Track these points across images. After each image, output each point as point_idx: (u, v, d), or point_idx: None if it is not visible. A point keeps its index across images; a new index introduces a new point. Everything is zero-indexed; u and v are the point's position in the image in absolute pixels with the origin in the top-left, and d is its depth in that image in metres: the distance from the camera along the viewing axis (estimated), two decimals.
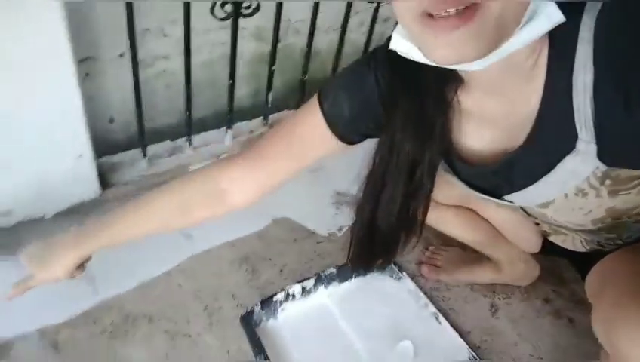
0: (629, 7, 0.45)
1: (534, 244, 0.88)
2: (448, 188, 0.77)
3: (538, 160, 0.58)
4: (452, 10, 0.40)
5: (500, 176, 0.63)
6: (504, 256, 0.96)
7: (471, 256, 1.05)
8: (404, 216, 0.68)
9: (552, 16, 0.44)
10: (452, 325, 0.93)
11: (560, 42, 0.49)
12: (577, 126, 0.51)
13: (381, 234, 0.70)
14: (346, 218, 1.15)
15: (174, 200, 0.70)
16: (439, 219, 0.89)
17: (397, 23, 0.51)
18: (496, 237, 0.91)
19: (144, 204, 0.72)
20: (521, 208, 0.74)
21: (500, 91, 0.55)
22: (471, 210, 0.89)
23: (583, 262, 0.76)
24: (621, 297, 0.58)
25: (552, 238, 0.82)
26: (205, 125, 1.32)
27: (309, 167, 0.70)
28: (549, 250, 0.90)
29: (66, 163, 0.98)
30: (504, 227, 0.87)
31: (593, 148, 0.52)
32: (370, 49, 1.39)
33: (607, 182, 0.56)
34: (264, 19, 1.22)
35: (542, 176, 0.59)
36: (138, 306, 0.91)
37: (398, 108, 0.59)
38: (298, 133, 0.67)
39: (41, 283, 0.74)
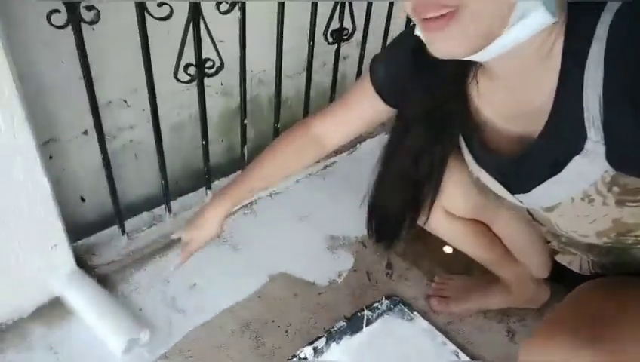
0: None
1: (544, 266, 0.87)
2: (464, 199, 0.77)
3: (548, 158, 0.58)
4: (435, 14, 0.47)
5: (513, 171, 0.63)
6: (515, 277, 0.93)
7: (479, 281, 1.02)
8: (410, 202, 0.77)
9: (541, 18, 0.47)
10: (473, 358, 0.89)
11: (576, 38, 0.49)
12: (587, 124, 0.51)
13: (388, 214, 0.79)
14: (343, 262, 1.10)
15: (289, 153, 0.85)
16: (456, 233, 0.88)
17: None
18: (508, 256, 0.89)
19: (265, 162, 0.86)
20: (529, 213, 0.73)
21: (514, 82, 0.57)
22: (485, 226, 0.87)
23: None
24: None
25: (558, 258, 0.80)
26: (181, 189, 1.28)
27: (371, 125, 0.82)
28: (557, 278, 0.89)
29: (41, 256, 0.91)
30: (515, 244, 0.86)
31: (601, 148, 0.51)
32: (334, 90, 1.39)
33: (615, 189, 0.55)
34: (229, 74, 1.21)
35: (550, 176, 0.58)
36: None
37: (417, 92, 0.66)
38: (358, 92, 0.80)
39: (200, 244, 0.86)
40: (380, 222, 0.85)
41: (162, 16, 0.88)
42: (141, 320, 0.92)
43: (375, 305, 0.97)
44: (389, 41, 1.46)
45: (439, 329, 0.94)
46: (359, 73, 1.44)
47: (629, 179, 0.53)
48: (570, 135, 0.53)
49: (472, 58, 0.51)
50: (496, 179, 0.68)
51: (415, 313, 0.97)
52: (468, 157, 0.72)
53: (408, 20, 1.38)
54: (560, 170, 0.57)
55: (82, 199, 1.16)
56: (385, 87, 0.75)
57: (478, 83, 0.62)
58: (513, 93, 0.58)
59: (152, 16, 0.88)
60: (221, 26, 1.00)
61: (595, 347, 0.53)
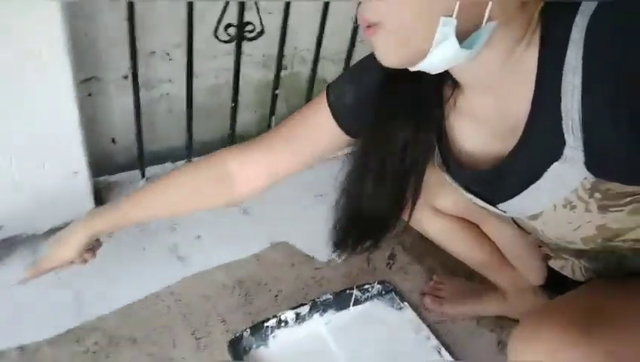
0: (623, 11, 0.44)
1: (539, 272, 0.84)
2: (455, 196, 0.74)
3: (526, 166, 0.56)
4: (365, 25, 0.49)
5: (492, 182, 0.61)
6: (511, 285, 0.91)
7: (477, 286, 1.00)
8: (394, 198, 0.69)
9: (452, 49, 0.46)
10: (455, 359, 0.87)
11: (551, 43, 0.48)
12: (565, 131, 0.50)
13: (368, 216, 0.70)
14: None
15: (184, 186, 0.72)
16: (445, 230, 0.85)
17: None
18: (503, 261, 0.86)
19: (155, 188, 0.73)
20: (515, 221, 0.71)
21: (487, 91, 0.56)
22: (477, 226, 0.85)
23: None
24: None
25: (551, 263, 0.77)
26: (208, 150, 1.31)
27: (314, 162, 0.72)
28: (553, 287, 0.86)
29: (61, 179, 0.97)
30: (508, 248, 0.83)
31: (580, 155, 0.50)
32: None
33: (597, 195, 0.53)
34: (271, 47, 1.24)
35: (530, 184, 0.57)
36: (123, 328, 0.86)
37: (395, 95, 0.61)
38: (305, 123, 0.69)
39: (52, 264, 0.75)
40: (361, 227, 0.76)
41: None
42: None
43: (366, 286, 0.96)
44: None
45: (428, 326, 0.93)
46: None
47: (610, 184, 0.51)
48: (549, 142, 0.51)
49: (418, 68, 0.50)
50: (474, 193, 0.67)
51: (405, 303, 0.95)
52: (445, 175, 0.69)
53: None
54: (538, 178, 0.55)
55: (113, 141, 1.22)
56: (350, 114, 0.67)
57: (453, 96, 0.60)
58: (487, 103, 0.57)
59: None
60: None
61: (592, 342, 0.50)
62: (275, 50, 1.17)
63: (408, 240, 1.14)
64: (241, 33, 1.03)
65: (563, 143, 0.50)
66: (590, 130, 0.47)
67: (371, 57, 0.64)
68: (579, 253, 0.68)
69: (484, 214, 0.78)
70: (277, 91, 1.19)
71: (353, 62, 1.31)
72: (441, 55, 0.47)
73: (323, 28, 1.16)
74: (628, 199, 0.53)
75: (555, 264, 0.76)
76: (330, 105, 0.67)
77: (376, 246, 0.79)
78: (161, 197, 0.73)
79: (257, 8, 1.01)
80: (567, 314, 0.55)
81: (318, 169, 1.18)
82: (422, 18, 0.46)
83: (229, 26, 1.01)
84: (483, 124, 0.59)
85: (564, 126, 0.49)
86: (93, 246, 0.77)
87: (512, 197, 0.61)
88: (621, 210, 0.54)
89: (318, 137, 0.69)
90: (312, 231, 1.12)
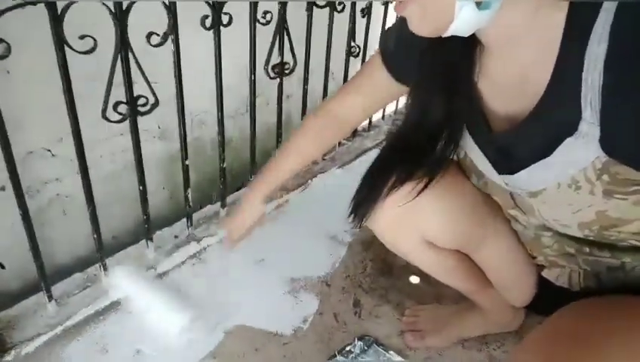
0: None
1: (526, 295, 0.83)
2: (448, 228, 0.74)
3: (539, 137, 0.55)
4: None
5: (504, 148, 0.61)
6: (490, 302, 0.87)
7: (452, 310, 0.96)
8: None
9: (471, 14, 0.49)
10: None
11: (580, 9, 0.47)
12: (583, 104, 0.48)
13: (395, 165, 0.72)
14: (307, 306, 1.00)
15: (313, 135, 0.86)
16: (437, 263, 0.81)
17: None
18: (487, 284, 0.84)
19: (289, 144, 0.87)
20: (512, 198, 0.69)
21: (511, 54, 0.55)
22: (465, 255, 0.81)
23: None
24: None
25: (545, 273, 0.76)
26: (120, 245, 1.15)
27: (388, 100, 0.83)
28: (535, 307, 0.86)
29: None
30: (499, 276, 0.81)
31: (596, 131, 0.48)
32: (280, 126, 1.34)
33: (605, 177, 0.52)
34: (166, 117, 1.13)
35: (540, 158, 0.55)
36: None
37: (433, 55, 0.63)
38: (363, 74, 0.81)
39: (242, 230, 0.90)
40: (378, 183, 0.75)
41: (85, 50, 0.81)
42: None
43: (348, 348, 0.87)
44: (330, 76, 1.44)
45: None
46: (304, 110, 1.40)
47: (619, 167, 0.50)
48: (565, 114, 0.50)
49: (449, 34, 0.53)
50: (486, 156, 0.66)
51: (391, 352, 0.88)
52: (467, 138, 0.69)
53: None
54: (550, 153, 0.54)
55: (1, 266, 1.01)
56: (395, 61, 0.74)
57: (480, 58, 0.61)
58: (508, 66, 0.57)
59: (73, 49, 0.80)
60: (154, 65, 0.93)
61: None
62: (171, 118, 1.06)
63: (368, 281, 1.08)
64: (135, 108, 0.92)
65: (579, 117, 0.49)
66: (610, 104, 0.46)
67: None
68: (575, 254, 0.66)
69: (481, 239, 0.75)
70: (187, 162, 1.08)
71: (256, 115, 1.25)
72: (463, 21, 0.50)
73: (221, 86, 1.08)
74: (634, 188, 0.52)
75: (551, 274, 0.74)
76: (380, 52, 0.76)
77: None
78: (297, 153, 0.87)
79: (145, 77, 0.90)
80: (550, 344, 0.53)
81: (254, 234, 1.08)
82: None
83: (118, 103, 0.89)
84: (505, 89, 0.59)
85: (582, 98, 0.48)
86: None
87: (519, 169, 0.59)
88: (625, 199, 0.53)
89: (375, 83, 0.78)
90: (265, 302, 1.01)
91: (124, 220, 1.22)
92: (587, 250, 0.66)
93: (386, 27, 0.80)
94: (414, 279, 1.08)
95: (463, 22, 0.50)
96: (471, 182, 0.75)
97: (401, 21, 0.70)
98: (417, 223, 0.75)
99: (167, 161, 1.28)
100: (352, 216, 0.76)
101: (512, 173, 0.61)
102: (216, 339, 0.92)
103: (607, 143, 0.48)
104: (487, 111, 0.64)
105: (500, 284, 0.83)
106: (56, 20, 0.76)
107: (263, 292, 1.04)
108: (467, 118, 0.66)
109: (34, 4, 0.72)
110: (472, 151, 0.69)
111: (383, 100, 0.82)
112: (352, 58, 1.48)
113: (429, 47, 0.62)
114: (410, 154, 0.70)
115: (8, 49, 0.73)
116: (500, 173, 0.64)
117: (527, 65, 0.54)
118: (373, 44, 1.63)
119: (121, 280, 0.94)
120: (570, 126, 0.50)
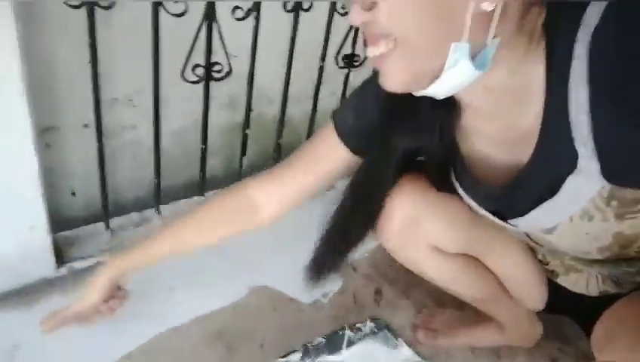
0: (625, 24, 0.45)
1: (539, 299, 0.82)
2: (454, 233, 0.74)
3: (541, 181, 0.56)
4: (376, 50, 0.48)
5: (505, 197, 0.61)
6: (508, 316, 0.88)
7: (470, 316, 0.97)
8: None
9: (466, 70, 0.47)
10: None
11: (556, 59, 0.49)
12: (576, 143, 0.50)
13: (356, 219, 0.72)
14: (331, 283, 1.05)
15: (212, 217, 0.76)
16: (446, 270, 0.80)
17: None
18: (501, 293, 0.83)
19: (183, 222, 0.76)
20: (528, 236, 0.69)
21: (493, 111, 0.55)
22: (477, 260, 0.81)
23: (586, 320, 0.69)
24: (635, 345, 0.53)
25: (561, 280, 0.76)
26: (176, 196, 1.25)
27: (331, 182, 0.77)
28: (551, 308, 0.84)
29: (17, 236, 0.88)
30: (510, 277, 0.81)
31: (595, 165, 0.50)
32: None
33: (614, 203, 0.53)
34: (237, 88, 1.22)
35: (545, 200, 0.56)
36: None
37: (395, 118, 0.62)
38: (315, 150, 0.75)
39: (77, 311, 0.75)
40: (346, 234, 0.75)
41: (177, 12, 0.91)
42: None
43: (358, 325, 0.91)
44: None
45: (423, 360, 0.88)
46: None
47: (626, 191, 0.51)
48: (562, 155, 0.52)
49: (424, 93, 0.51)
50: (487, 209, 0.66)
51: (400, 339, 0.91)
52: (459, 190, 0.70)
53: None
54: (556, 192, 0.55)
55: (72, 193, 1.14)
56: (353, 135, 0.70)
57: (460, 117, 0.60)
58: (495, 121, 0.57)
59: (167, 11, 0.90)
60: (236, 37, 1.02)
61: None
62: (240, 91, 1.15)
63: (393, 274, 1.11)
64: (209, 73, 1.01)
65: (576, 155, 0.50)
66: (602, 138, 0.47)
67: (371, 81, 0.67)
68: (593, 262, 0.67)
69: (489, 241, 0.76)
70: (247, 131, 1.16)
71: (319, 101, 1.31)
72: (452, 80, 0.47)
73: (290, 68, 1.16)
74: None
75: (567, 280, 0.75)
76: (335, 126, 0.71)
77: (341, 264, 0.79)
78: (190, 229, 0.76)
79: (224, 47, 0.99)
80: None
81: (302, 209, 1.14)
82: (435, 36, 0.45)
83: (196, 66, 0.99)
84: (493, 143, 0.59)
85: (575, 138, 0.49)
86: (119, 296, 0.78)
87: (526, 212, 0.59)
88: (636, 216, 0.54)
89: (328, 160, 0.73)
90: (292, 272, 1.07)
91: (184, 174, 1.33)
92: (606, 264, 0.66)
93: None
94: None
95: (449, 82, 0.48)
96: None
97: (356, 96, 0.72)
98: (424, 228, 0.74)
99: (230, 129, 1.37)
100: (311, 276, 0.77)
101: (517, 216, 0.62)
102: (242, 293, 1.00)
103: (609, 174, 0.49)
104: (475, 167, 0.64)
105: (512, 285, 0.82)
106: None
107: (295, 263, 1.09)
108: (462, 182, 0.67)
109: None
110: (470, 202, 0.69)
111: (315, 188, 0.76)
112: None
113: (392, 109, 0.61)
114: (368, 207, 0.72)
115: (113, 2, 0.84)
116: (506, 221, 0.65)
117: (513, 117, 0.54)
118: None
119: None
120: (569, 165, 0.51)
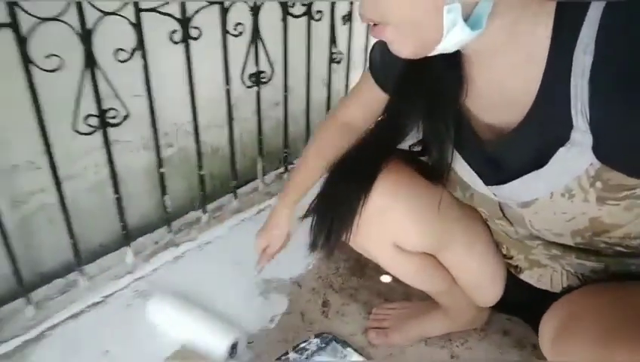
0: None
1: (492, 298, 0.82)
2: (418, 230, 0.72)
3: (530, 149, 0.55)
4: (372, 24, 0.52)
5: (492, 161, 0.60)
6: (453, 302, 0.87)
7: (418, 308, 0.96)
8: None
9: (461, 34, 0.48)
10: None
11: (566, 20, 0.47)
12: (573, 112, 0.48)
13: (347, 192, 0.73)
14: (276, 306, 1.03)
15: (331, 141, 0.87)
16: (412, 271, 0.80)
17: None
18: (454, 285, 0.83)
19: (308, 152, 0.90)
20: (501, 209, 0.68)
21: (496, 67, 0.54)
22: (434, 258, 0.79)
23: (536, 320, 0.65)
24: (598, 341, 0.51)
25: (525, 275, 0.74)
26: (108, 252, 1.20)
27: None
28: (501, 307, 0.85)
29: None
30: (467, 277, 0.80)
31: (588, 138, 0.49)
32: (260, 134, 1.38)
33: (598, 184, 0.52)
34: (150, 127, 1.18)
35: (532, 169, 0.55)
36: None
37: (413, 72, 0.63)
38: (362, 80, 0.84)
39: (278, 244, 0.94)
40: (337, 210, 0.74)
41: (50, 68, 0.86)
42: None
43: (302, 345, 0.89)
44: (311, 80, 1.48)
45: None
46: (286, 119, 1.44)
47: (612, 173, 0.50)
48: (556, 125, 0.50)
49: (432, 54, 0.53)
50: (472, 168, 0.65)
51: (349, 349, 0.89)
52: (454, 163, 0.69)
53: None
54: (544, 163, 0.54)
55: None
56: (380, 74, 0.78)
57: (468, 72, 0.60)
58: (493, 77, 0.56)
59: (40, 68, 0.86)
60: (134, 79, 0.99)
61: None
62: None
63: (339, 282, 1.09)
64: (104, 120, 0.97)
65: (570, 126, 0.49)
66: (600, 112, 0.46)
67: None
68: (561, 252, 0.66)
69: (451, 238, 0.74)
70: (162, 170, 1.13)
71: (242, 123, 1.29)
72: (452, 40, 0.49)
73: (193, 98, 1.14)
74: (625, 193, 0.52)
75: (532, 275, 0.73)
76: (369, 65, 0.80)
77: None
78: (317, 158, 0.88)
79: (115, 92, 0.96)
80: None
81: (227, 236, 1.11)
82: (423, 9, 0.47)
83: (88, 116, 0.95)
84: (492, 100, 0.58)
85: (572, 108, 0.48)
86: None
87: (509, 180, 0.58)
88: (617, 204, 0.53)
89: (367, 95, 0.82)
90: (237, 301, 1.03)
91: (111, 228, 1.27)
92: (574, 255, 0.65)
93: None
94: (385, 278, 1.09)
95: (451, 42, 0.49)
96: (441, 186, 0.72)
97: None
98: (388, 227, 0.73)
99: (153, 170, 1.33)
100: (324, 246, 0.73)
101: (500, 183, 0.61)
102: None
103: (601, 151, 0.48)
104: (474, 124, 0.63)
105: (466, 285, 0.81)
106: (22, 42, 0.82)
107: (236, 294, 1.06)
108: (455, 136, 0.64)
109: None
110: (457, 162, 0.68)
111: (378, 110, 0.78)
112: (335, 65, 1.51)
113: (411, 63, 0.60)
114: (369, 166, 0.72)
115: None
116: (487, 185, 0.64)
117: (512, 78, 0.54)
118: (357, 50, 1.67)
119: (159, 307, 0.97)
120: (562, 136, 0.50)
